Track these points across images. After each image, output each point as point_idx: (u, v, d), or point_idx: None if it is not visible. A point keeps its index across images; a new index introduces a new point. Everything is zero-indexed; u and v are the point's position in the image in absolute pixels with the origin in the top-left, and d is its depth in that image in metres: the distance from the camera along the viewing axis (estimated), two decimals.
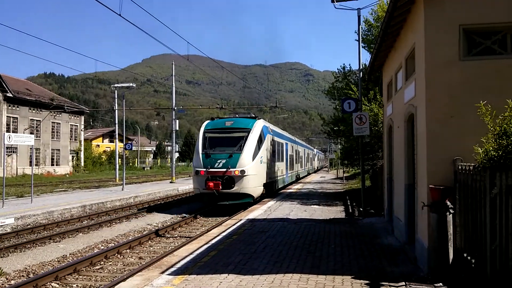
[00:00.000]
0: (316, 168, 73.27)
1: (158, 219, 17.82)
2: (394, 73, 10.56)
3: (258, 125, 20.93)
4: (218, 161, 18.92)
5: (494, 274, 5.16)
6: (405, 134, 9.12)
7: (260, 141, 20.64)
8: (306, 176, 50.50)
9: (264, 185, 21.39)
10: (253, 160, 19.40)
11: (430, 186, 6.59)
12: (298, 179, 40.67)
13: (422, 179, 7.33)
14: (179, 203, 23.69)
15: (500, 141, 4.82)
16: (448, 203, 6.40)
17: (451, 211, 6.41)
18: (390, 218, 11.99)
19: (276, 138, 25.80)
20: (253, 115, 23.34)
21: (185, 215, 18.57)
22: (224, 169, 18.59)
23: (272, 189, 24.22)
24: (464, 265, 6.24)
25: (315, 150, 73.73)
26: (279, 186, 27.35)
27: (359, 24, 15.26)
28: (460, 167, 6.42)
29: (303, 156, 45.52)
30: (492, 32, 6.88)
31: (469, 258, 6.07)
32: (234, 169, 18.59)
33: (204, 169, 18.77)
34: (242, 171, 18.69)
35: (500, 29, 6.83)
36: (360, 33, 15.52)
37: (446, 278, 6.36)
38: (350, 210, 17.98)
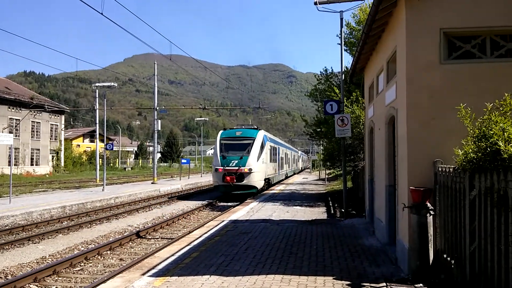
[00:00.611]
0: (300, 168, 78.07)
1: (139, 220, 17.67)
2: (376, 75, 10.66)
3: (260, 135, 27.08)
4: (232, 161, 25.19)
5: (473, 275, 5.24)
6: (386, 136, 9.21)
7: (262, 147, 26.77)
8: (292, 175, 56.10)
9: (265, 179, 27.83)
10: (257, 161, 25.68)
11: (410, 187, 6.66)
12: (286, 177, 47.24)
13: (402, 181, 7.40)
14: (160, 204, 23.53)
15: (479, 143, 4.89)
16: (429, 204, 6.49)
17: (431, 212, 6.50)
18: (371, 219, 12.09)
19: (272, 144, 32.23)
20: (255, 127, 30.42)
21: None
22: (237, 167, 24.91)
23: (269, 183, 31.03)
24: (444, 266, 6.33)
25: (299, 152, 78.58)
26: (274, 182, 34.37)
27: (341, 26, 15.35)
28: (440, 169, 6.51)
29: (290, 158, 51.85)
30: (472, 36, 7.00)
31: (448, 259, 6.16)
32: (244, 167, 24.90)
33: (222, 167, 25.07)
34: (250, 169, 24.97)
35: (480, 34, 6.95)
36: (342, 36, 15.61)
37: (427, 279, 6.44)
38: (332, 211, 18.08)
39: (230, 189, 25.20)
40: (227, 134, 27.30)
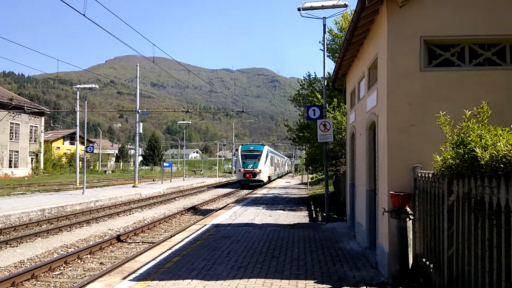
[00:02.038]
0: (286, 171, 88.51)
1: (120, 224, 17.51)
2: (357, 82, 10.79)
3: (265, 149, 44.19)
4: (249, 165, 41.14)
5: (450, 279, 5.34)
6: (367, 141, 9.33)
7: (266, 156, 43.22)
8: (281, 176, 71.38)
9: (268, 177, 44.35)
10: (264, 165, 42.03)
11: (390, 192, 6.76)
12: (278, 177, 64.69)
13: (383, 186, 7.50)
14: (141, 208, 23.35)
15: (458, 150, 4.99)
16: (408, 209, 6.58)
17: (411, 217, 6.60)
18: (352, 223, 12.20)
19: (272, 154, 49.31)
20: (262, 143, 52.02)
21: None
22: (252, 169, 40.91)
23: (270, 179, 47.87)
24: (423, 270, 6.43)
25: (285, 158, 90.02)
26: (272, 179, 51.86)
27: (324, 32, 15.50)
28: (419, 174, 6.62)
29: (281, 164, 69.25)
30: (451, 45, 7.14)
31: (427, 263, 6.26)
32: (256, 169, 40.94)
33: (243, 169, 41.14)
34: (260, 170, 41.16)
35: (459, 42, 7.10)
36: (325, 42, 15.75)
37: (406, 282, 6.53)
38: (314, 215, 18.17)
39: (248, 182, 41.16)
40: (245, 148, 45.22)
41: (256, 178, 40.99)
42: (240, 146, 46.12)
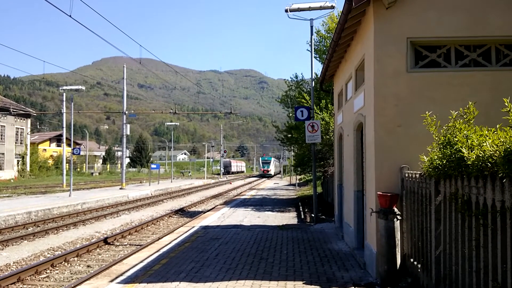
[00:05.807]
0: (280, 170, 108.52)
1: (107, 226, 17.37)
2: (345, 83, 10.82)
3: (273, 159, 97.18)
4: (265, 166, 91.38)
5: (438, 279, 5.37)
6: (355, 142, 9.36)
7: (273, 162, 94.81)
8: (275, 175, 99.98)
9: (274, 172, 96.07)
10: (272, 166, 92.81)
11: (378, 192, 6.78)
12: (277, 173, 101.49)
13: (370, 186, 7.53)
14: (128, 210, 23.18)
15: (444, 150, 5.02)
16: (396, 209, 6.61)
17: (399, 217, 6.63)
18: (340, 224, 12.23)
19: (275, 161, 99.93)
20: (270, 155, 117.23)
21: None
22: (266, 169, 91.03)
23: (275, 174, 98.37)
24: (411, 270, 6.47)
25: (279, 160, 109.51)
26: (275, 174, 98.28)
27: (311, 34, 15.55)
28: (406, 175, 6.66)
29: (278, 165, 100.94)
30: (438, 46, 7.20)
31: (415, 263, 6.29)
32: (268, 169, 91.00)
33: (262, 168, 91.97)
34: (270, 169, 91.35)
35: (445, 43, 7.16)
36: (313, 43, 15.79)
37: (394, 283, 6.56)
38: (302, 216, 18.20)
39: (264, 175, 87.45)
40: (263, 158, 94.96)
41: (269, 173, 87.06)
42: (260, 157, 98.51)
